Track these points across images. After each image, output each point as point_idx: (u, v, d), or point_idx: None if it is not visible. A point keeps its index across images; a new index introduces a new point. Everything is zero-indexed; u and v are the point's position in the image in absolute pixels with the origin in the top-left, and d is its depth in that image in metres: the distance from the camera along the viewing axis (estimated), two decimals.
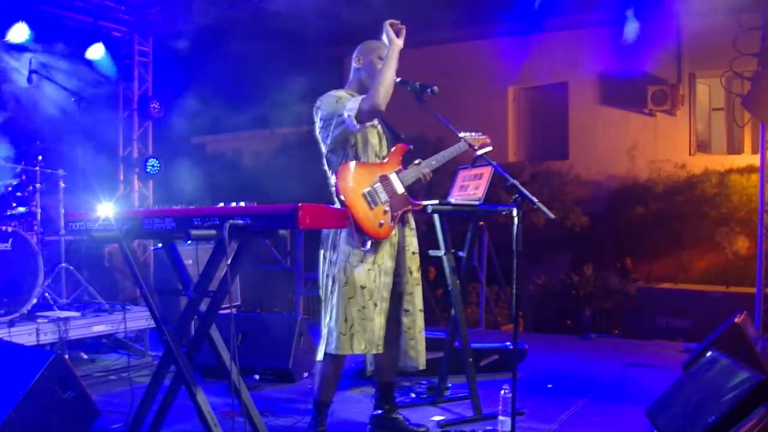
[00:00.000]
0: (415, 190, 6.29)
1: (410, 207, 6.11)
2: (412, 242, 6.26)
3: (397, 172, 6.05)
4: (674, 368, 8.08)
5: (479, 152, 6.06)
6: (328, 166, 6.03)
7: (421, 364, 6.24)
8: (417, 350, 6.22)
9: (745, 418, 5.04)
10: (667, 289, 12.83)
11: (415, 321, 6.23)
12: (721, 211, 14.08)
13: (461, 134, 6.41)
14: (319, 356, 5.99)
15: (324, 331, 5.96)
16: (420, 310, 6.26)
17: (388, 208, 5.91)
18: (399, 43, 5.85)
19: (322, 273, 6.05)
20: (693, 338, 10.20)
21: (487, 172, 6.76)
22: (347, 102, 5.83)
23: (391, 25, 5.86)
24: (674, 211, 14.26)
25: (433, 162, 6.23)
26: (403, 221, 6.14)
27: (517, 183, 5.46)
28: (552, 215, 5.38)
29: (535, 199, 5.41)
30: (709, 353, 6.33)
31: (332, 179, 5.89)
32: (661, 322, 11.94)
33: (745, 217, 13.48)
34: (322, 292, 6.04)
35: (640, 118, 15.25)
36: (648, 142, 15.30)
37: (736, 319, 7.25)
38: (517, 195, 5.43)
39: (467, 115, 13.13)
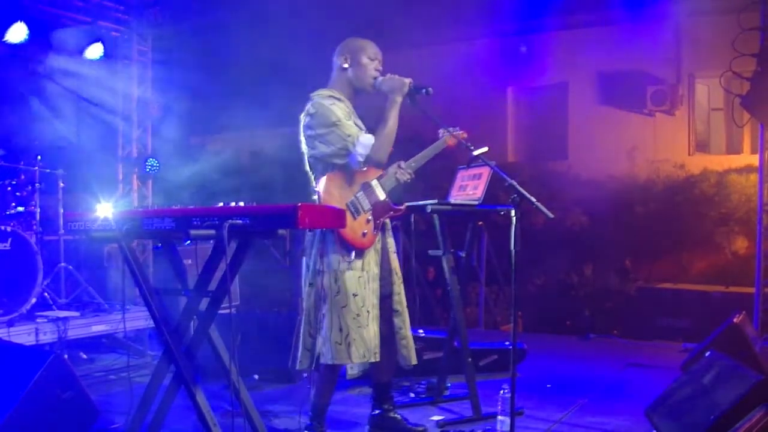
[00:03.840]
0: (413, 189, 6.28)
1: (392, 213, 6.10)
2: (392, 243, 6.26)
3: (379, 178, 6.02)
4: (673, 368, 8.08)
5: (476, 152, 6.04)
6: (311, 168, 6.01)
7: (413, 359, 6.25)
8: (408, 348, 6.23)
9: (743, 418, 5.05)
10: (666, 289, 12.83)
11: (405, 320, 6.24)
12: (720, 211, 14.08)
13: (441, 130, 6.45)
14: (300, 365, 5.97)
15: (306, 341, 5.93)
16: (405, 307, 6.28)
17: (370, 217, 5.91)
18: (400, 101, 5.95)
19: (303, 281, 6.02)
20: (692, 338, 10.20)
21: (486, 172, 6.76)
22: (357, 142, 5.78)
23: (413, 86, 5.93)
24: (673, 211, 14.25)
25: (413, 163, 6.19)
26: (383, 226, 6.12)
27: (515, 183, 5.46)
28: (551, 214, 5.38)
29: (533, 199, 5.41)
30: (708, 353, 6.33)
31: (317, 188, 5.85)
32: (661, 322, 11.94)
33: (744, 217, 13.48)
34: (302, 302, 6.01)
35: (639, 118, 15.24)
36: (647, 142, 15.30)
37: (735, 319, 7.26)
38: (515, 195, 5.43)
39: (466, 115, 13.16)
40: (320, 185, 5.79)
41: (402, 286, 6.29)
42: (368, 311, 5.83)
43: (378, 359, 5.90)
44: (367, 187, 5.94)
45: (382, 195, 5.99)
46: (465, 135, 6.46)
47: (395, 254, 6.30)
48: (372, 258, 5.94)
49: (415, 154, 6.29)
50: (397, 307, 6.21)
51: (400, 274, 6.29)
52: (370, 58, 6.03)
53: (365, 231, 5.86)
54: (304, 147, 5.98)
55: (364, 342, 5.78)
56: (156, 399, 5.10)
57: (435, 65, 14.81)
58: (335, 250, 5.80)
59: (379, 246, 6.04)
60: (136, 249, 5.13)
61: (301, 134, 5.98)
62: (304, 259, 6.03)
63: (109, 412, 6.71)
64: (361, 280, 5.82)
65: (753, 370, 5.57)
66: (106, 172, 11.55)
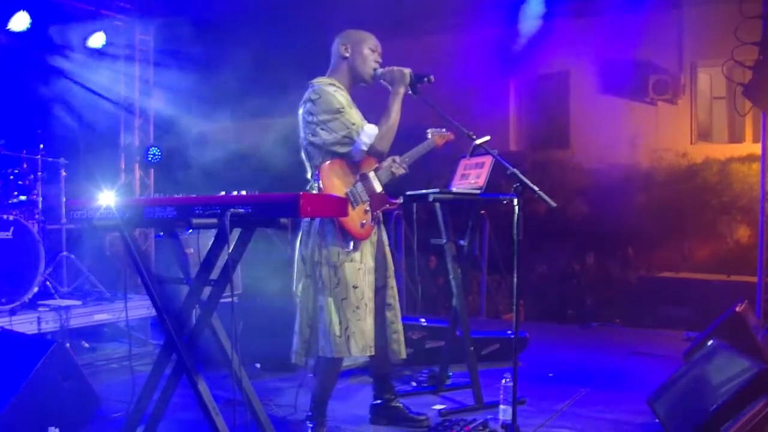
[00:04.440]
0: (414, 178, 6.28)
1: (387, 206, 6.09)
2: (384, 236, 6.26)
3: (375, 170, 6.01)
4: (675, 357, 8.09)
5: (478, 141, 6.01)
6: (307, 155, 5.94)
7: (403, 353, 6.27)
8: (399, 342, 6.24)
9: (746, 407, 5.05)
10: (668, 277, 12.85)
11: (397, 314, 6.25)
12: (723, 199, 14.10)
13: (428, 131, 6.50)
14: (297, 358, 5.97)
15: (303, 333, 5.92)
16: (397, 300, 6.31)
17: (368, 208, 5.88)
18: (403, 92, 5.94)
19: (298, 273, 5.99)
20: (694, 327, 10.19)
21: (488, 161, 6.75)
22: (362, 131, 5.75)
23: (414, 75, 5.90)
24: (675, 200, 14.26)
25: (407, 159, 6.20)
26: (378, 219, 6.11)
27: (517, 172, 5.45)
28: (553, 203, 5.38)
29: (536, 188, 5.40)
30: (710, 342, 6.34)
31: (319, 175, 5.80)
32: (663, 311, 11.95)
33: (747, 205, 13.50)
34: (298, 293, 5.99)
35: (641, 107, 15.22)
36: (649, 131, 15.28)
37: (737, 308, 7.25)
38: (518, 184, 5.43)
39: (468, 104, 13.17)
40: (321, 173, 5.74)
41: (394, 279, 6.31)
42: (366, 304, 5.80)
43: (374, 353, 5.90)
44: (364, 178, 5.92)
45: (378, 187, 5.97)
46: (452, 136, 6.57)
47: (388, 247, 6.30)
48: (368, 250, 5.92)
49: (415, 144, 6.33)
50: (390, 301, 6.21)
51: (392, 267, 6.30)
52: (371, 49, 6.02)
53: (364, 221, 5.84)
54: (302, 134, 5.94)
55: (363, 335, 5.75)
56: (158, 388, 5.10)
57: (437, 54, 14.81)
58: (334, 242, 5.76)
59: (374, 238, 6.03)
60: (138, 238, 5.12)
61: (300, 121, 5.94)
62: (298, 249, 6.00)
63: (110, 401, 6.72)
64: (360, 272, 5.80)
65: (755, 360, 5.57)
66: (108, 160, 11.54)
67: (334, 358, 5.80)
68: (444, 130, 6.56)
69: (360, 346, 5.73)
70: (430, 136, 6.54)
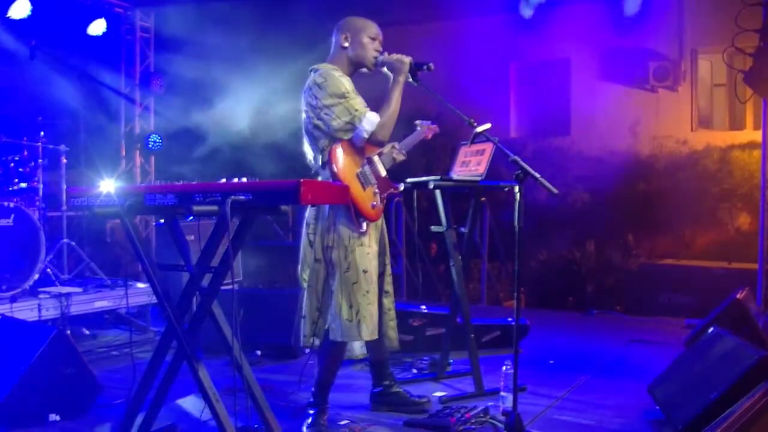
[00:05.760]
0: (412, 167, 6.29)
1: (391, 190, 6.10)
2: (383, 223, 6.26)
3: (379, 155, 6.02)
4: (676, 344, 8.09)
5: (478, 129, 5.99)
6: (312, 138, 5.87)
7: (397, 343, 6.30)
8: (395, 330, 6.25)
9: (746, 394, 5.05)
10: (669, 265, 12.81)
11: (392, 301, 6.27)
12: (723, 187, 14.07)
13: (416, 122, 6.59)
14: (306, 341, 5.95)
15: (313, 316, 5.88)
16: (392, 288, 6.34)
17: (376, 190, 5.88)
18: (403, 80, 5.92)
19: (307, 257, 5.92)
20: (695, 314, 10.18)
21: (488, 147, 6.74)
22: (364, 118, 5.71)
23: (414, 63, 5.88)
24: (676, 187, 14.22)
25: (404, 147, 6.24)
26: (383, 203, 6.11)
27: (518, 159, 5.44)
28: (555, 190, 5.37)
29: (537, 174, 5.39)
30: (711, 329, 6.33)
31: (329, 157, 5.75)
32: (664, 299, 11.93)
33: (747, 193, 13.47)
34: (305, 277, 5.93)
35: (641, 94, 15.16)
36: (650, 118, 15.23)
37: (738, 296, 7.24)
38: (519, 171, 5.42)
39: (469, 91, 13.13)
40: (333, 154, 5.71)
41: (390, 266, 6.32)
42: (374, 288, 5.81)
43: (376, 336, 5.90)
44: (370, 162, 5.92)
45: (383, 171, 6.00)
46: (437, 129, 6.75)
47: (387, 234, 6.31)
48: (373, 235, 5.91)
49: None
50: (387, 288, 6.22)
51: (389, 254, 6.31)
52: (371, 37, 5.98)
53: (374, 203, 5.83)
54: (306, 117, 5.90)
55: (372, 319, 5.76)
56: (158, 375, 5.10)
57: (437, 42, 14.77)
58: (345, 224, 5.73)
59: (379, 223, 6.03)
60: (138, 225, 5.12)
61: (304, 105, 5.89)
62: (305, 234, 5.96)
63: (111, 388, 6.73)
64: (368, 256, 5.79)
65: (756, 347, 5.57)
66: (109, 148, 11.55)
67: (342, 341, 5.80)
68: (430, 122, 6.63)
69: (369, 329, 5.74)
70: (419, 127, 6.60)
